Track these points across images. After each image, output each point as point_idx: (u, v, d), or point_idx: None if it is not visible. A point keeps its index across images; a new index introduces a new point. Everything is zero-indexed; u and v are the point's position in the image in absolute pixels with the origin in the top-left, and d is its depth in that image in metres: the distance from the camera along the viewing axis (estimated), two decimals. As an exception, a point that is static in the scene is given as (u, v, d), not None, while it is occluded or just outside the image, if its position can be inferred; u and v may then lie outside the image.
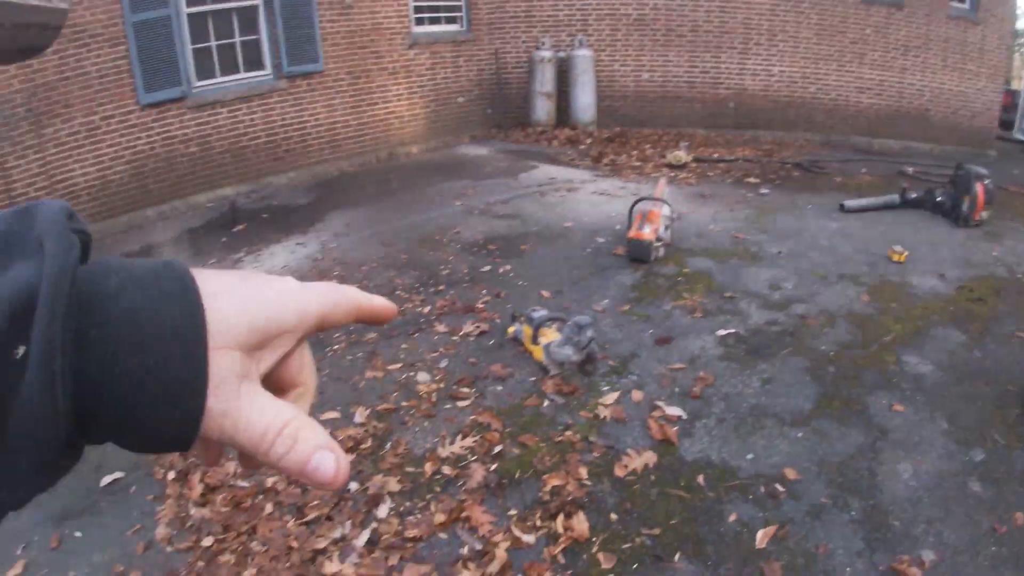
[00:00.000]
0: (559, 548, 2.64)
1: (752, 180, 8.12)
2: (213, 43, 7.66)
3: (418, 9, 9.47)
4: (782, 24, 10.84)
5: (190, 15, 7.36)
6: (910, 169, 9.43)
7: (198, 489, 3.16)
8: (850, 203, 7.08)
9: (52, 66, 6.60)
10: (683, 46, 10.76)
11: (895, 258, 5.66)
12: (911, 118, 11.81)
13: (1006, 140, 15.39)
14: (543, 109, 10.35)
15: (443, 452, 3.16)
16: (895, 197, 7.32)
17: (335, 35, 8.50)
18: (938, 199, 7.26)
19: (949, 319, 4.72)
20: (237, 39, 7.85)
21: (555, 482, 2.93)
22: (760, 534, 2.70)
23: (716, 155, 9.37)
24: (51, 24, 3.89)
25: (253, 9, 7.86)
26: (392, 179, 8.02)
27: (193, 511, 3.05)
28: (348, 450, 3.26)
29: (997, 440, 3.40)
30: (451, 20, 10.02)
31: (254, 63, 8.05)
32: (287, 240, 6.21)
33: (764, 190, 7.72)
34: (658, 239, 5.27)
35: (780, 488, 2.94)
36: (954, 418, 3.54)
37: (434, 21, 9.79)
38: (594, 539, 2.69)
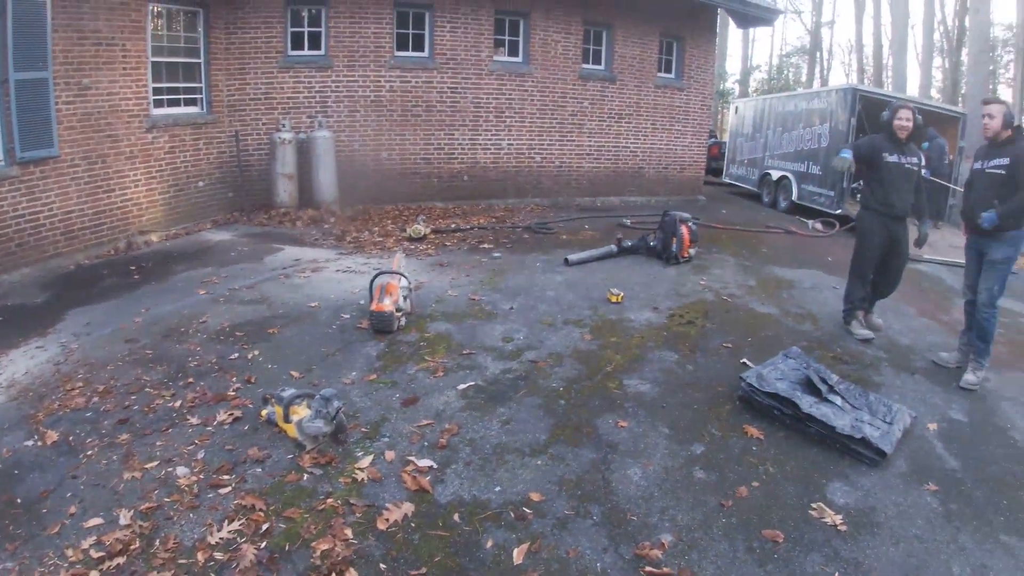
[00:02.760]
0: (335, 606, 2.79)
1: (486, 246, 8.78)
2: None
3: (157, 91, 9.06)
4: (508, 102, 12.08)
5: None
6: (627, 221, 10.87)
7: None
8: (573, 257, 8.02)
9: None
10: (419, 125, 11.48)
11: (613, 299, 6.53)
12: (628, 176, 13.66)
13: (717, 184, 18.31)
14: (285, 191, 10.29)
15: (212, 539, 3.14)
16: (612, 247, 8.44)
17: (71, 117, 7.77)
18: (651, 243, 8.48)
19: (663, 343, 5.51)
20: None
21: (324, 546, 3.07)
22: (516, 552, 3.05)
23: (453, 225, 10.02)
24: None
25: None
26: (132, 270, 7.51)
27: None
28: (118, 553, 3.10)
29: (714, 433, 4.12)
30: (191, 102, 9.72)
31: (-16, 149, 7.09)
32: (25, 344, 5.51)
33: (497, 253, 8.38)
34: (398, 309, 5.56)
35: (527, 510, 3.34)
36: (674, 423, 4.22)
37: (173, 103, 9.43)
38: (366, 590, 2.88)
